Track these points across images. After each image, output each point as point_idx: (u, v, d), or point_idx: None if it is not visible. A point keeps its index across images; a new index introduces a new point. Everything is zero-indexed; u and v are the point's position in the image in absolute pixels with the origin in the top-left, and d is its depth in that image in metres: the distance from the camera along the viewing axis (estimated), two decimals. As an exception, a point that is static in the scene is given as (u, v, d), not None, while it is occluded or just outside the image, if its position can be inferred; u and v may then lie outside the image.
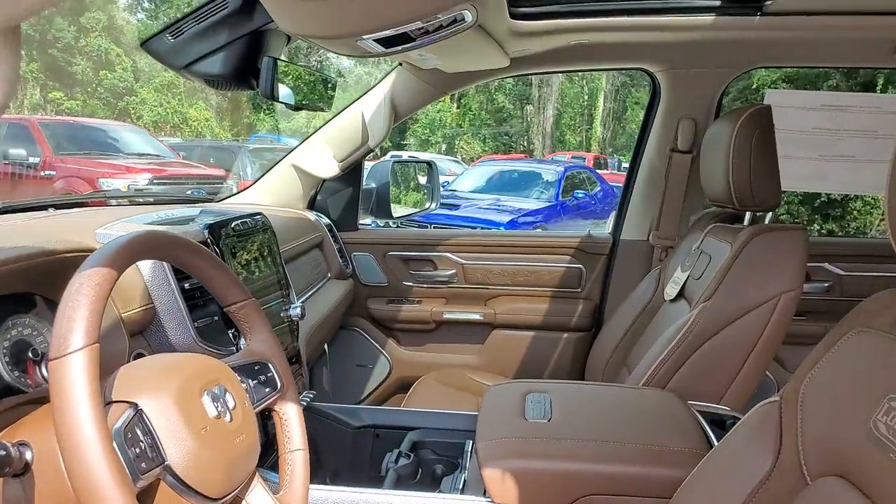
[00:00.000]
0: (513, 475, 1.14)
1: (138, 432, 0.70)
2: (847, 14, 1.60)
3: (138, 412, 0.71)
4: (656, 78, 2.11)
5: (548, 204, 8.89)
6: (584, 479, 1.14)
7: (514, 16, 1.52)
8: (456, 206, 7.91)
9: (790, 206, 8.55)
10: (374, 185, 2.28)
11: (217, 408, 0.79)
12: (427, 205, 2.56)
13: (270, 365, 0.97)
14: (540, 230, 7.81)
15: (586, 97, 25.48)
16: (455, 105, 23.81)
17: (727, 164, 1.50)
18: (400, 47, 1.19)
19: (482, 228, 6.94)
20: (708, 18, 1.64)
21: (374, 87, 2.09)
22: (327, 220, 2.22)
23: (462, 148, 22.97)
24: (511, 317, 2.30)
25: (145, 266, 1.15)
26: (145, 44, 1.32)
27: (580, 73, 22.49)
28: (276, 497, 0.91)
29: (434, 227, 6.37)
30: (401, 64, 1.99)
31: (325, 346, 2.02)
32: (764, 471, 0.83)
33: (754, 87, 8.59)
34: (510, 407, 1.34)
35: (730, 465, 0.90)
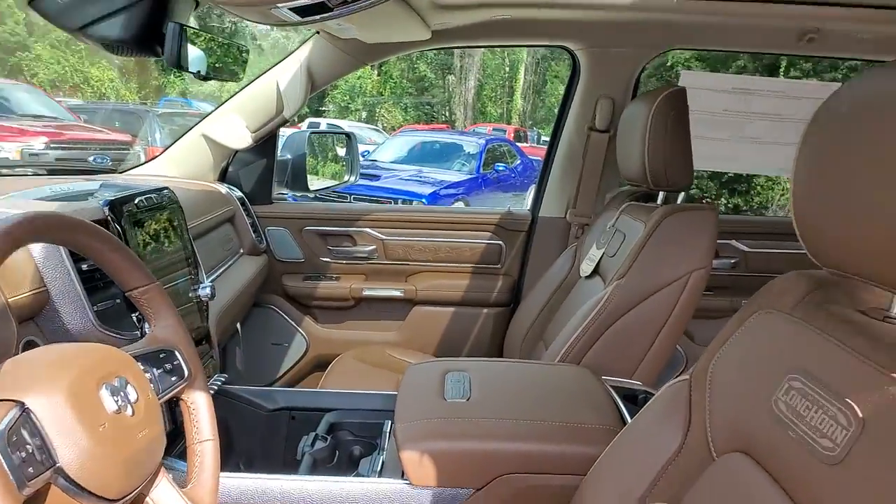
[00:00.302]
0: (431, 456, 1.13)
1: (25, 434, 0.64)
2: (758, 1, 1.65)
3: (25, 412, 0.66)
4: (576, 56, 2.12)
5: (469, 176, 8.93)
6: (501, 459, 1.15)
7: None
8: (377, 177, 7.82)
9: (700, 181, 8.96)
10: (289, 157, 2.19)
11: (117, 402, 0.74)
12: (346, 178, 2.49)
13: (177, 352, 0.92)
14: (461, 204, 7.85)
15: (507, 69, 25.58)
16: (376, 72, 23.41)
17: (643, 145, 1.53)
18: (318, 16, 1.13)
19: (403, 200, 6.89)
20: None
21: (290, 54, 2.00)
22: (239, 193, 2.12)
23: (383, 116, 22.66)
24: (432, 293, 2.30)
25: (36, 245, 1.06)
26: (33, 2, 1.19)
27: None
28: (183, 491, 0.87)
29: (354, 199, 6.28)
30: (318, 32, 1.91)
31: (238, 325, 1.95)
32: (674, 447, 0.85)
33: (668, 64, 8.87)
34: (429, 387, 1.33)
35: (641, 443, 0.92)
